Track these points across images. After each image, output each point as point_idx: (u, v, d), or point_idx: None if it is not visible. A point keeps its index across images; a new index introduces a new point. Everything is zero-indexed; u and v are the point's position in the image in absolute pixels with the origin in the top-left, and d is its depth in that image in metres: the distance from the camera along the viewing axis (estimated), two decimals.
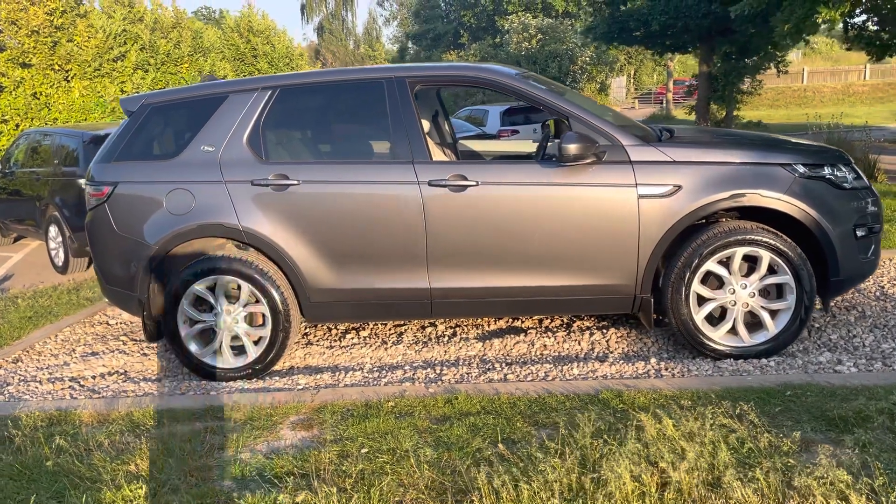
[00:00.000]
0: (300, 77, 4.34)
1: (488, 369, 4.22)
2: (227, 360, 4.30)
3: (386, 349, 4.69)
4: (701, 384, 3.69)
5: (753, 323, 4.13)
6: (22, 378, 4.60)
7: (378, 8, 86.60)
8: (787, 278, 3.98)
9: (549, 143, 4.49)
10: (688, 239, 4.01)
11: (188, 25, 19.87)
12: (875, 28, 18.68)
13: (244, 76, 21.12)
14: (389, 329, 5.08)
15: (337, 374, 4.30)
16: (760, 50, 19.16)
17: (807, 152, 4.15)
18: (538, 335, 4.70)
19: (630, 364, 4.13)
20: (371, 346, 4.78)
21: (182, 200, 4.18)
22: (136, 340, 5.27)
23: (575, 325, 4.87)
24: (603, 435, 3.06)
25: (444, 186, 4.02)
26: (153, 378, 4.50)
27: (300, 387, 4.13)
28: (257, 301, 4.24)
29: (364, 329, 5.09)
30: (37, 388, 4.38)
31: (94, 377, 4.57)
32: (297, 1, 57.04)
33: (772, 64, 20.66)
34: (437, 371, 4.23)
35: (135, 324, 5.67)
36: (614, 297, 4.13)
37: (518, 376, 4.07)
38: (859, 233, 4.07)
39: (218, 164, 4.18)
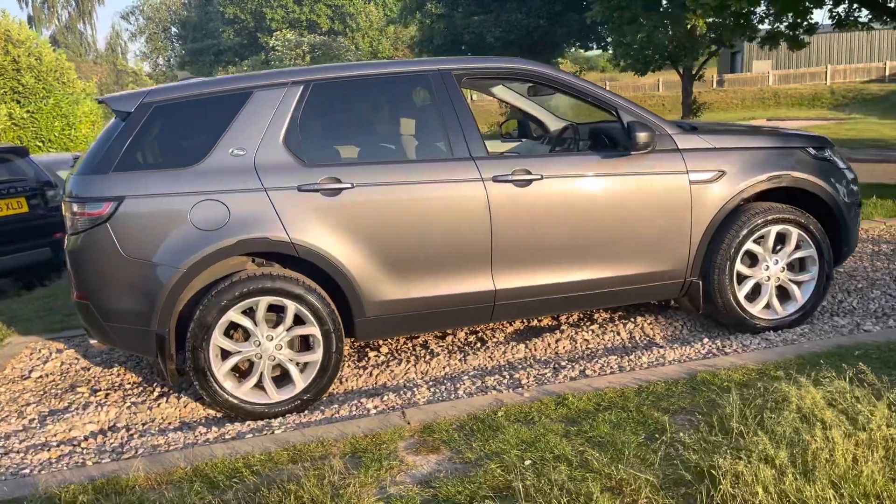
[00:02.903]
0: (333, 71, 3.91)
1: (557, 368, 4.11)
2: (271, 394, 3.75)
3: (426, 363, 4.38)
4: (773, 356, 3.89)
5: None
6: None
7: (122, 22, 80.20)
8: (811, 252, 4.34)
9: (575, 136, 4.49)
10: (727, 221, 4.21)
11: None
12: (636, 47, 21.34)
13: (5, 91, 18.71)
14: (405, 343, 4.75)
15: (401, 393, 3.92)
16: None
17: (808, 137, 4.57)
18: (574, 331, 4.66)
19: (688, 347, 4.24)
20: (404, 361, 4.44)
21: (213, 214, 3.58)
22: (100, 390, 4.40)
23: (597, 317, 4.90)
24: (760, 411, 3.10)
25: (510, 182, 3.86)
26: (174, 428, 3.79)
27: (374, 411, 3.72)
28: (301, 323, 3.75)
29: (382, 346, 4.71)
30: (28, 459, 3.49)
31: (87, 438, 3.74)
32: (23, 11, 50.90)
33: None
34: (508, 376, 4.03)
35: (78, 372, 4.73)
36: (667, 283, 4.22)
37: (594, 371, 4.01)
38: (855, 207, 4.56)
39: (254, 169, 3.64)
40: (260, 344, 3.70)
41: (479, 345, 4.62)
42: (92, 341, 3.94)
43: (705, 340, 4.30)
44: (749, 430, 2.93)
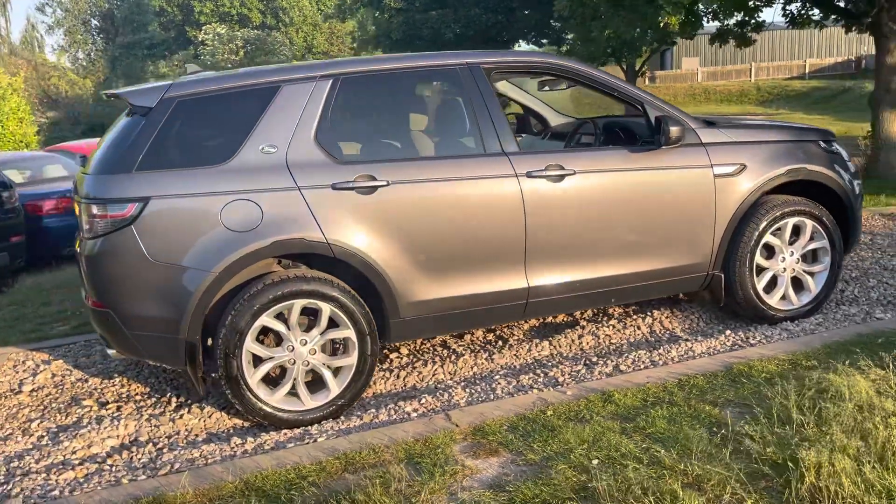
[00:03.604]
0: (363, 64, 3.78)
1: (589, 364, 4.09)
2: (305, 401, 3.62)
3: (453, 363, 4.30)
4: (800, 346, 3.96)
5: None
6: (10, 473, 3.39)
7: (38, 14, 76.56)
8: (824, 243, 4.44)
9: (595, 131, 4.48)
10: (748, 215, 4.27)
11: None
12: (591, 40, 21.77)
13: None
14: (423, 344, 4.66)
15: (437, 394, 3.84)
16: None
17: (818, 130, 4.67)
18: (594, 326, 4.66)
19: (713, 339, 4.28)
20: (430, 362, 4.35)
21: (245, 214, 3.42)
22: (109, 402, 4.16)
23: (613, 312, 4.91)
24: (815, 402, 3.14)
25: (543, 177, 3.81)
26: (203, 440, 3.61)
27: (415, 414, 3.62)
28: (335, 325, 3.63)
29: (402, 347, 4.61)
30: (52, 479, 3.26)
31: (110, 454, 3.53)
32: None
33: None
34: (543, 374, 3.99)
35: (75, 384, 4.46)
36: (691, 277, 4.26)
37: (628, 367, 4.00)
38: (860, 198, 4.70)
39: (286, 167, 3.50)
40: (293, 349, 3.56)
41: (500, 343, 4.57)
42: (110, 351, 3.72)
43: (728, 332, 4.36)
44: (809, 421, 2.97)
